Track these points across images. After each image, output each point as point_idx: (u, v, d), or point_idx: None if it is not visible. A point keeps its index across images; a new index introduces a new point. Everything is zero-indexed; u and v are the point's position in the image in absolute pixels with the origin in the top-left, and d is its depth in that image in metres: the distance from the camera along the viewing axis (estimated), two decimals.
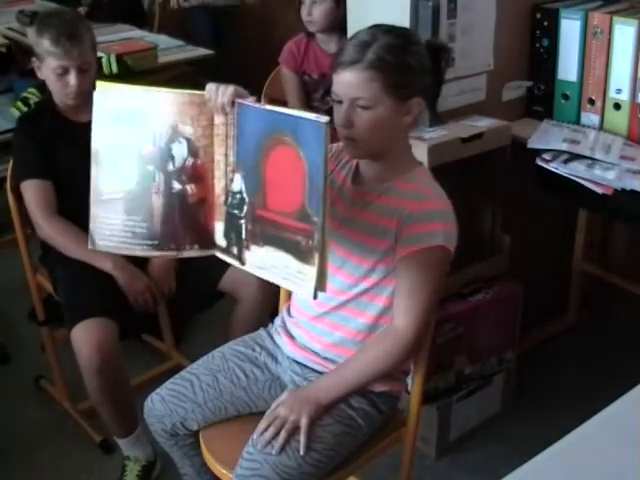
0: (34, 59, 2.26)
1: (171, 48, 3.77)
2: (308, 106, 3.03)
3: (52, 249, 2.31)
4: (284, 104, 3.11)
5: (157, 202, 1.54)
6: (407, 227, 1.54)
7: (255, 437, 1.59)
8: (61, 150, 2.28)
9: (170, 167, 1.52)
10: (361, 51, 1.51)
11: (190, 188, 1.53)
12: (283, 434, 1.56)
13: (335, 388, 1.62)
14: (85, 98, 2.27)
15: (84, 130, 2.28)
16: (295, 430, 1.57)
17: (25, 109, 2.96)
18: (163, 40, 3.86)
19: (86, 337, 2.10)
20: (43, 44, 2.19)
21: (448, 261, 1.58)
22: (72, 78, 2.21)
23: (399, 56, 1.52)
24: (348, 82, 1.52)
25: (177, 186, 1.53)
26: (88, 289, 2.23)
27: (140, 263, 2.27)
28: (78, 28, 2.23)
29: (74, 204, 2.28)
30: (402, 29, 1.59)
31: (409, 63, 1.53)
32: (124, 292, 2.22)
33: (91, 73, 2.26)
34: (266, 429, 1.58)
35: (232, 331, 2.31)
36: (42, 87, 2.99)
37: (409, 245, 1.54)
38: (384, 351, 1.59)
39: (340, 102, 1.55)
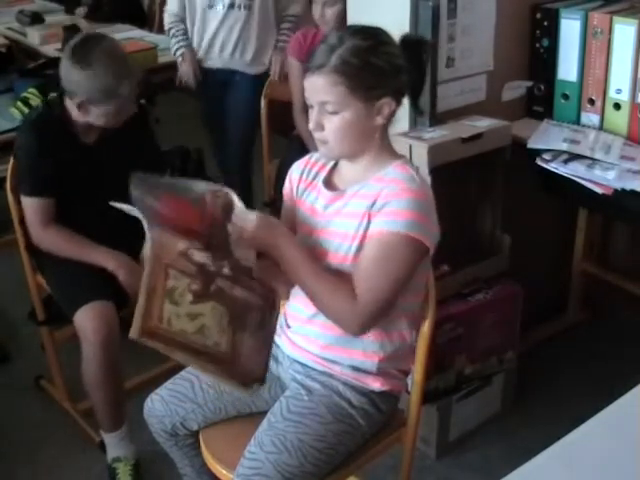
0: (74, 98, 2.17)
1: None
2: None
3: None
4: (285, 104, 3.13)
5: None
6: (375, 213, 1.54)
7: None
8: (65, 168, 2.26)
9: None
10: (327, 55, 1.52)
11: None
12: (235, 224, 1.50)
13: (288, 264, 1.56)
14: None
15: (90, 152, 2.31)
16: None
17: (25, 109, 2.96)
18: (163, 40, 3.87)
19: (90, 315, 2.15)
20: (104, 94, 2.13)
21: (417, 252, 1.54)
22: (123, 114, 2.22)
23: (364, 58, 1.52)
24: (315, 86, 1.54)
25: None
26: (82, 277, 2.26)
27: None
28: (131, 73, 2.18)
29: (74, 224, 2.29)
30: (372, 29, 1.57)
31: (376, 64, 1.53)
32: (124, 288, 2.25)
33: None
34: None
35: None
36: (42, 87, 3.00)
37: (374, 229, 1.54)
38: (338, 306, 1.55)
39: (312, 106, 1.57)
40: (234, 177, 3.45)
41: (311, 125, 1.58)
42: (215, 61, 3.37)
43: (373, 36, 1.55)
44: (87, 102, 2.17)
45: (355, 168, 1.63)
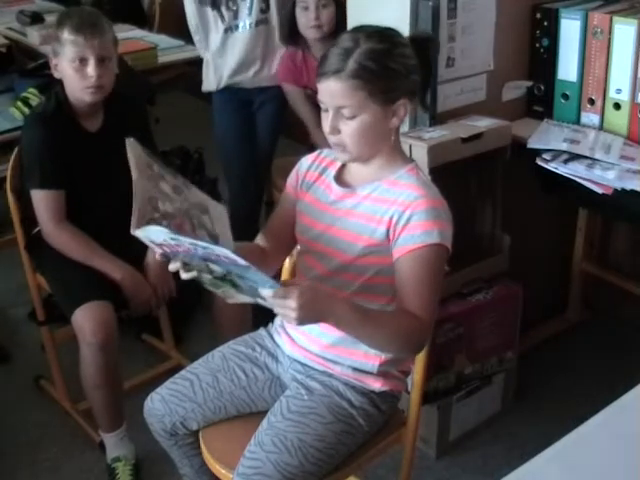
0: (51, 57, 2.23)
1: (171, 48, 3.78)
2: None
3: (40, 239, 2.33)
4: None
5: None
6: (401, 228, 1.54)
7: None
8: (71, 159, 2.26)
9: None
10: (343, 59, 1.50)
11: None
12: (278, 309, 1.42)
13: (349, 325, 1.48)
14: (100, 100, 2.27)
15: (95, 140, 2.31)
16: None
17: (25, 109, 2.96)
18: (163, 40, 3.86)
19: (88, 316, 2.14)
20: (63, 34, 2.17)
21: (446, 258, 1.58)
22: (91, 68, 2.16)
23: (382, 62, 1.51)
24: (332, 91, 1.53)
25: None
26: (80, 277, 2.26)
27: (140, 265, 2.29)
28: (100, 19, 2.23)
29: (80, 213, 2.30)
30: (386, 31, 1.57)
31: (393, 68, 1.53)
32: (127, 298, 2.26)
33: (110, 68, 2.23)
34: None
35: (219, 326, 2.35)
36: (42, 87, 3.00)
37: (406, 245, 1.53)
38: (408, 332, 1.53)
39: (327, 110, 1.56)
40: (251, 187, 3.19)
41: (326, 129, 1.57)
42: (242, 83, 3.10)
43: (388, 38, 1.55)
44: (55, 57, 2.21)
45: (367, 167, 1.63)
